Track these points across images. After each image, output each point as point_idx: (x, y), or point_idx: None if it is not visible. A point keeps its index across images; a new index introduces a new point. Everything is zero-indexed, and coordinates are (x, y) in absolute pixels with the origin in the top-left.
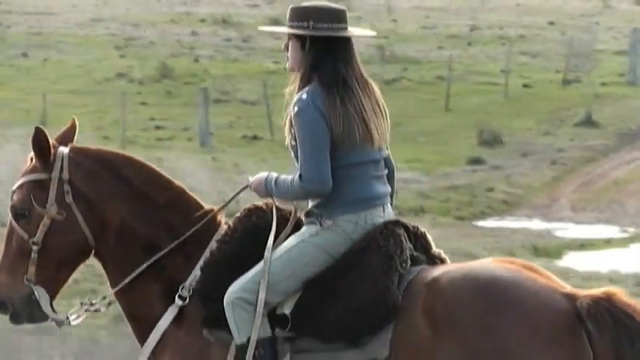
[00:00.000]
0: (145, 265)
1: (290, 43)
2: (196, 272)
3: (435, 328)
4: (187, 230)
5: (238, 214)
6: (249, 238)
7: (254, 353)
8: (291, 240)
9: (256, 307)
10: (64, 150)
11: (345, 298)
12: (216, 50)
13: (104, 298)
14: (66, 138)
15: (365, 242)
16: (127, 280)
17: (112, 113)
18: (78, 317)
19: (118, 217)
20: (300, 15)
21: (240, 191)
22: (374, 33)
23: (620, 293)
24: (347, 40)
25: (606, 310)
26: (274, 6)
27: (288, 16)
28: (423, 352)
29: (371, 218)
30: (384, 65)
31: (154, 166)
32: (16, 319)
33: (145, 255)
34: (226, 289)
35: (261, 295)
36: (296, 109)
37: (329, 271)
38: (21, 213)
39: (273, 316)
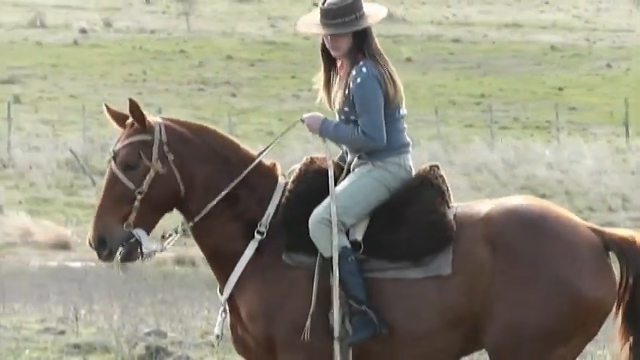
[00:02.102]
0: (211, 205)
1: (333, 37)
2: (270, 211)
3: (494, 253)
4: (262, 180)
5: (303, 163)
6: (318, 178)
7: (348, 259)
8: (351, 176)
9: (335, 223)
10: (158, 119)
11: (409, 224)
12: None
13: (183, 230)
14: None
15: (419, 181)
16: (202, 213)
17: None
18: (167, 246)
19: (204, 173)
20: (345, 9)
21: (293, 125)
22: (386, 9)
23: None
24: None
25: (631, 245)
26: None
27: (331, 14)
28: (483, 272)
29: (408, 161)
30: None
31: (224, 133)
32: (109, 257)
33: (226, 203)
34: (304, 219)
35: (333, 212)
36: (359, 80)
37: (391, 204)
38: (130, 166)
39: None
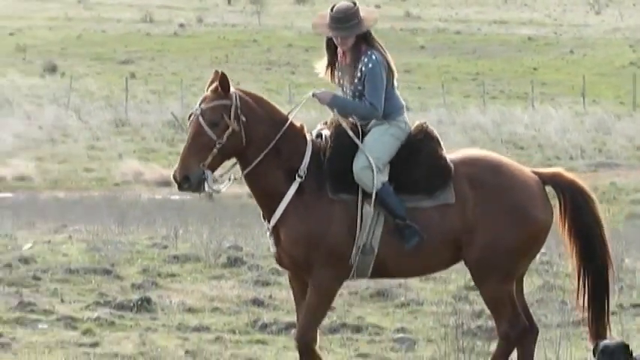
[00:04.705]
0: (261, 155)
1: (341, 37)
2: (306, 161)
3: (472, 189)
4: (297, 137)
5: (333, 125)
6: (347, 135)
7: (388, 189)
8: (374, 133)
9: (375, 166)
10: (234, 89)
11: (422, 165)
12: None
13: (234, 178)
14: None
15: (421, 134)
16: (252, 166)
17: (624, 88)
18: (224, 187)
19: (261, 131)
20: (350, 16)
21: (306, 99)
22: (377, 11)
23: (565, 171)
24: None
25: (560, 178)
26: None
27: (338, 20)
28: (469, 203)
29: (407, 119)
30: None
31: (269, 100)
32: (192, 189)
33: (273, 154)
34: (342, 167)
35: (371, 160)
36: (370, 65)
37: (405, 152)
38: (214, 122)
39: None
